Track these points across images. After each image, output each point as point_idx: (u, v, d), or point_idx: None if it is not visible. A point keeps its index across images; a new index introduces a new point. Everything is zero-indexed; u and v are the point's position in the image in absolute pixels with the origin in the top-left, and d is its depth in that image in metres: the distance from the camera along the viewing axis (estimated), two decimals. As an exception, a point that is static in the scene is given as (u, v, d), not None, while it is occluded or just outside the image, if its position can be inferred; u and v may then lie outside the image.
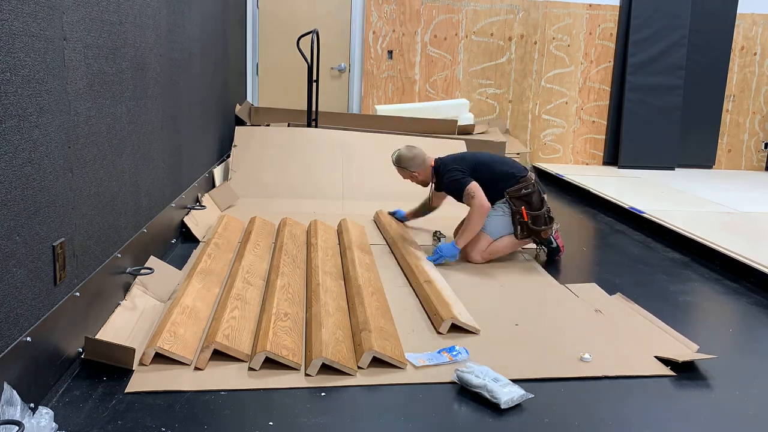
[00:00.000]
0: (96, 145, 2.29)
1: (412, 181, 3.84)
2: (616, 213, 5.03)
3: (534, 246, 3.74)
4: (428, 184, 3.86)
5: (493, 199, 3.53)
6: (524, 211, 3.50)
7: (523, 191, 3.54)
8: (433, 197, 4.03)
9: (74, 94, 2.08)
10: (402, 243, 3.59)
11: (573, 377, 2.24)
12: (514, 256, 3.68)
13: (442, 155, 3.83)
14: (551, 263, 3.64)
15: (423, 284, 2.94)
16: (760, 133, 7.25)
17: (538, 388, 2.14)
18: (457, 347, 2.35)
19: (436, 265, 3.35)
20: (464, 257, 3.51)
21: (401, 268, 3.35)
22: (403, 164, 3.76)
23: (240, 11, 5.96)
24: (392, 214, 4.23)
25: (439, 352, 2.34)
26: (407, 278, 3.19)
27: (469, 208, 3.49)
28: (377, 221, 4.26)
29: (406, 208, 4.61)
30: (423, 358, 2.28)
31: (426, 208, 4.13)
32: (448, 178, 3.60)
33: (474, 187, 3.45)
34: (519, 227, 3.53)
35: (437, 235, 3.86)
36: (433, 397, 2.07)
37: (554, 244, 3.67)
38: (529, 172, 3.68)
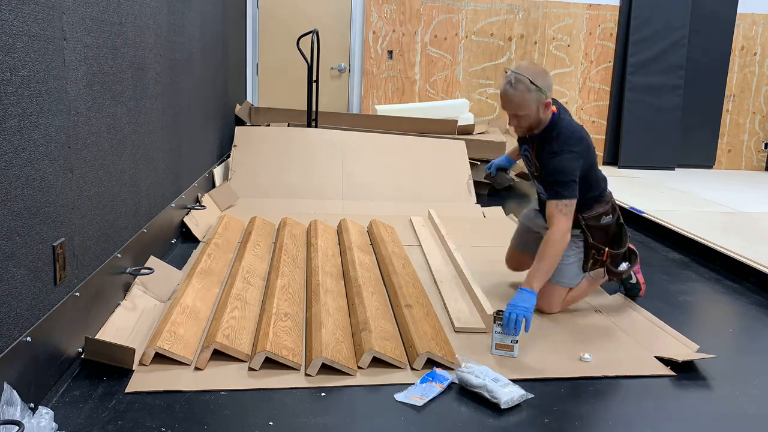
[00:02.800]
0: (96, 145, 2.29)
1: (516, 120, 2.55)
2: (616, 213, 5.02)
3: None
4: (530, 132, 2.61)
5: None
6: (607, 252, 2.66)
7: (604, 219, 2.66)
8: (514, 152, 3.01)
9: (74, 94, 2.08)
10: (391, 264, 3.17)
11: (573, 377, 2.24)
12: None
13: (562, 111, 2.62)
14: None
15: (404, 309, 2.63)
16: (760, 133, 7.25)
17: (538, 388, 2.15)
18: (437, 371, 2.18)
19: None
20: (538, 309, 2.69)
21: (386, 289, 2.97)
22: (520, 86, 2.45)
23: (240, 11, 5.96)
24: (489, 171, 3.10)
25: (422, 382, 2.12)
26: (390, 302, 2.83)
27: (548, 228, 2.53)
28: (370, 233, 3.86)
29: (406, 209, 4.60)
30: (415, 395, 2.06)
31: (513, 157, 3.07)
32: (560, 156, 2.50)
33: (572, 205, 2.49)
34: (591, 263, 2.71)
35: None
36: (433, 397, 2.08)
37: (634, 280, 2.95)
38: (609, 190, 2.75)
